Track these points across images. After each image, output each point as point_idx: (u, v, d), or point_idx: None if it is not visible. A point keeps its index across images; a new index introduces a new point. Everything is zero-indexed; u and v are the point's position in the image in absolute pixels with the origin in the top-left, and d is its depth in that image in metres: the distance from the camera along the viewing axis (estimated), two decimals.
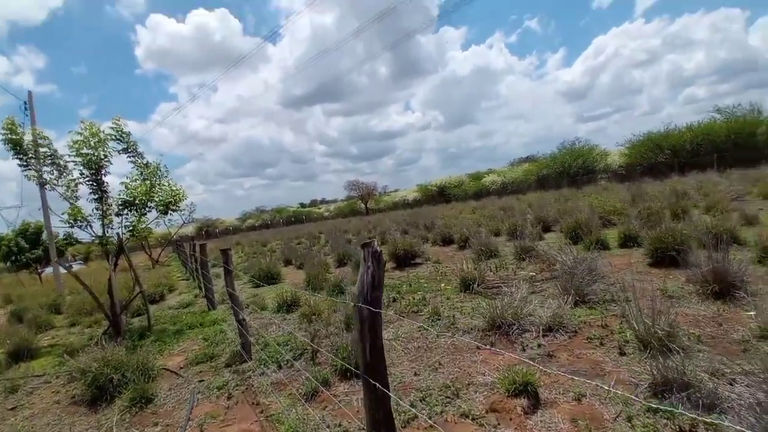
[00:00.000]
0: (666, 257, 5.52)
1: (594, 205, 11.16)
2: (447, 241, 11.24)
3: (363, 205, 55.49)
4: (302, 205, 77.58)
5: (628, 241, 7.18)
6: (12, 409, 4.33)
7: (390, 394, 1.85)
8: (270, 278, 9.32)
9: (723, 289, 3.97)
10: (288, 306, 6.44)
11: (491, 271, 6.88)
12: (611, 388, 2.77)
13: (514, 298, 4.37)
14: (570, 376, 2.85)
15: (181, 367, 4.72)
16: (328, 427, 2.90)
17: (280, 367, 4.18)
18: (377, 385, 1.78)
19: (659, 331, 3.14)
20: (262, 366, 4.27)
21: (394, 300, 6.05)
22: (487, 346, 3.82)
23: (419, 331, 4.59)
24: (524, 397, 2.80)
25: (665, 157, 26.95)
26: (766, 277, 4.46)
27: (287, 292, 6.71)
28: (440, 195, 45.46)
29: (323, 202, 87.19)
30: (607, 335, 3.67)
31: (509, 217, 13.48)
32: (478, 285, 5.76)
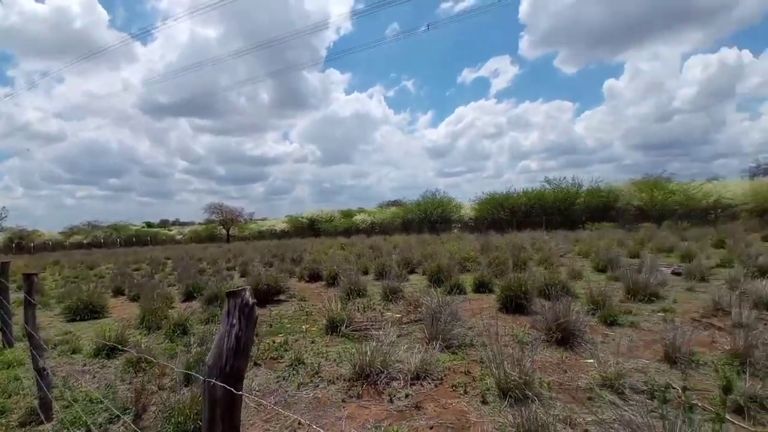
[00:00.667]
0: (513, 304, 6.09)
1: (453, 251, 12.13)
2: (315, 277, 10.81)
3: (224, 231, 51.26)
4: (149, 225, 67.91)
5: (481, 287, 7.82)
6: None
7: None
8: (92, 311, 7.53)
9: (564, 337, 4.45)
10: (110, 349, 5.15)
11: (359, 311, 6.69)
12: None
13: (382, 342, 4.20)
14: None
15: None
16: None
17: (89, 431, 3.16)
18: None
19: (517, 379, 3.26)
20: (65, 429, 3.19)
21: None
22: (354, 399, 3.50)
23: (278, 382, 4.04)
24: None
25: (506, 214, 31.54)
26: (596, 326, 5.19)
27: (111, 331, 5.41)
28: (310, 228, 44.87)
29: (177, 223, 77.89)
30: (470, 382, 3.71)
31: (377, 256, 13.75)
32: (345, 326, 5.47)
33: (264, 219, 59.31)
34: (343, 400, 3.52)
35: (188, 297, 8.96)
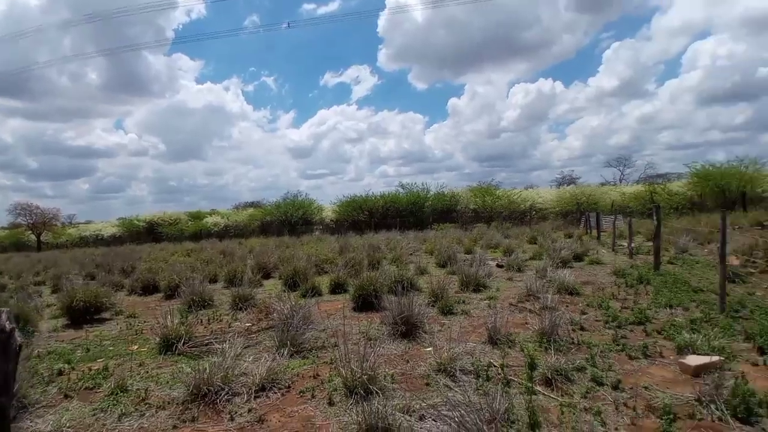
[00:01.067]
0: (366, 302, 6.32)
1: (310, 253, 12.04)
2: (150, 290, 9.45)
3: (34, 238, 41.40)
4: None
5: (337, 288, 7.92)
6: None
7: None
8: None
9: (408, 329, 4.77)
10: None
11: (203, 324, 6.08)
12: None
13: (226, 356, 3.88)
14: None
15: None
16: None
17: None
18: None
19: (363, 376, 3.36)
20: None
21: (60, 373, 4.37)
22: (188, 423, 3.13)
23: (94, 415, 3.37)
24: None
25: (364, 216, 32.84)
26: (436, 317, 5.69)
27: None
28: (149, 232, 39.30)
29: None
30: (318, 386, 3.67)
31: (229, 262, 12.79)
32: (184, 343, 4.89)
33: (88, 222, 49.88)
34: (175, 426, 3.11)
35: None
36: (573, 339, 4.50)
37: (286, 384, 3.73)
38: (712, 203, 25.96)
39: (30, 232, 42.09)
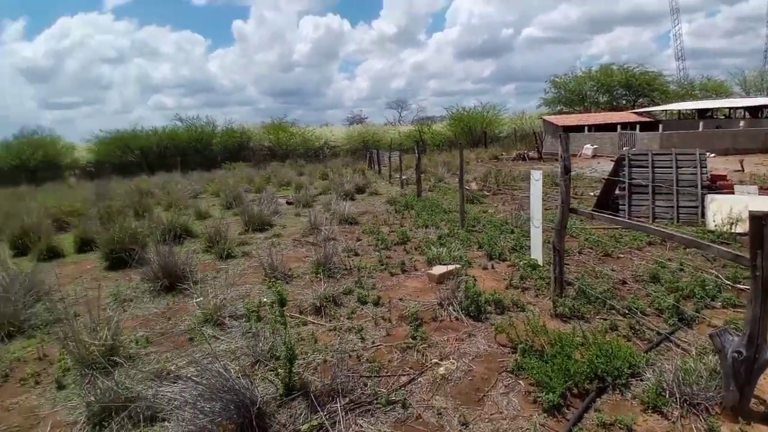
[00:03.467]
0: (123, 259, 5.31)
1: (49, 205, 9.37)
2: None
3: None
4: None
5: (85, 246, 6.42)
6: None
7: None
8: None
9: (172, 282, 4.21)
10: None
11: None
12: None
13: None
14: None
15: None
16: None
17: None
18: None
19: (101, 346, 2.78)
20: None
21: None
22: None
23: None
24: None
25: (135, 157, 27.67)
26: (213, 263, 5.22)
27: None
28: None
29: None
30: (44, 369, 2.91)
31: None
32: None
33: None
34: None
35: None
36: (346, 265, 4.83)
37: (3, 373, 2.83)
38: (464, 141, 32.29)
39: None
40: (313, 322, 3.46)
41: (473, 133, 33.11)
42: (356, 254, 5.37)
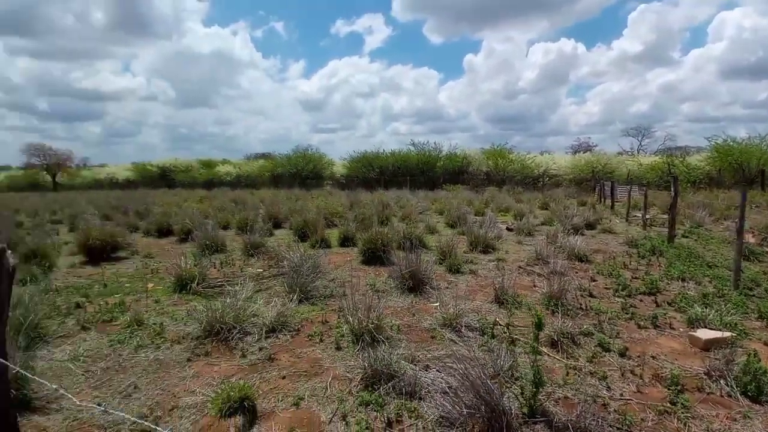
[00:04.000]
0: (375, 256, 6.37)
1: (320, 206, 12.08)
2: (165, 232, 9.65)
3: (50, 178, 42.08)
4: None
5: (346, 241, 7.99)
6: None
7: None
8: None
9: (416, 284, 4.83)
10: None
11: (216, 267, 6.22)
12: (329, 386, 2.79)
13: (237, 297, 3.98)
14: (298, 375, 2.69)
15: None
16: None
17: None
18: None
19: (370, 324, 3.43)
20: None
21: (78, 306, 4.54)
22: (201, 357, 3.26)
23: (111, 346, 3.53)
24: (240, 414, 2.44)
25: (375, 174, 32.66)
26: (443, 274, 5.74)
27: None
28: (162, 178, 39.75)
29: None
30: (326, 331, 3.77)
31: (241, 210, 12.92)
32: (197, 284, 5.02)
33: (102, 165, 50.38)
34: (189, 359, 3.25)
35: None
36: (581, 304, 4.51)
37: (296, 327, 3.84)
38: (730, 180, 25.24)
39: (45, 172, 42.71)
40: (549, 355, 3.36)
41: (744, 170, 25.46)
42: (591, 295, 4.93)
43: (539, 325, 2.51)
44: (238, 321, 3.66)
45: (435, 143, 34.33)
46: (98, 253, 7.00)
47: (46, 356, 3.36)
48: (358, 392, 2.73)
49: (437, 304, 4.46)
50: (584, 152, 41.48)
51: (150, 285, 5.36)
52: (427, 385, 2.58)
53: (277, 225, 10.80)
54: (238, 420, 2.41)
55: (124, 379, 2.98)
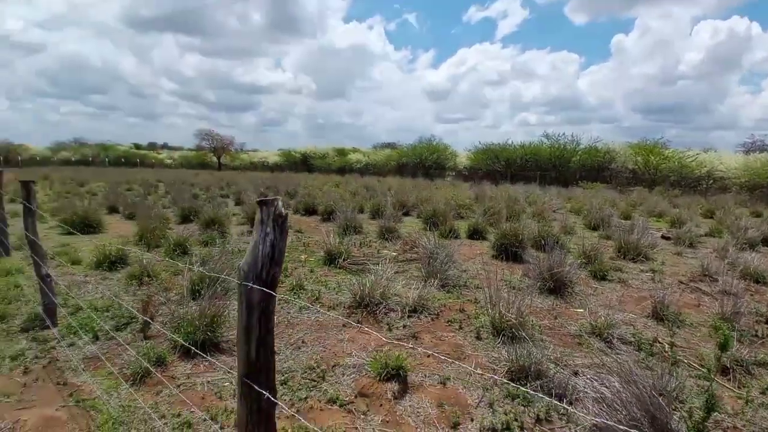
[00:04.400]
0: (507, 252, 6.24)
1: (448, 197, 12.18)
2: (310, 211, 10.84)
3: (215, 159, 50.37)
4: (137, 146, 66.22)
5: (475, 234, 7.95)
6: None
7: (278, 402, 1.44)
8: (87, 226, 7.51)
9: (556, 286, 4.62)
10: (111, 263, 5.20)
11: (355, 247, 6.80)
12: (473, 373, 2.89)
13: (381, 276, 4.32)
14: (442, 357, 2.86)
15: None
16: (162, 417, 2.31)
17: (96, 338, 3.27)
18: (265, 394, 1.35)
19: (512, 319, 3.42)
20: (71, 335, 3.29)
21: None
22: (355, 324, 3.65)
23: (279, 304, 4.17)
24: (395, 382, 2.70)
25: (501, 166, 31.42)
26: (585, 279, 5.37)
27: (111, 246, 5.42)
28: (303, 163, 44.35)
29: (165, 147, 76.10)
30: (464, 319, 3.87)
31: (372, 196, 13.77)
32: (343, 259, 5.58)
33: (255, 150, 58.19)
34: (344, 325, 3.67)
35: (184, 220, 8.97)
36: (757, 331, 3.81)
37: (435, 312, 4.02)
38: None
39: (212, 154, 51.00)
40: (718, 381, 2.94)
41: None
42: None
43: (724, 346, 2.22)
44: (383, 297, 3.99)
45: (572, 135, 31.44)
46: None
47: (229, 305, 4.12)
48: (502, 384, 2.77)
49: (582, 309, 4.20)
50: (760, 152, 33.53)
51: (303, 256, 6.13)
52: (578, 390, 2.50)
53: (405, 213, 11.24)
54: (394, 386, 2.67)
55: (293, 333, 3.52)
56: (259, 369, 1.37)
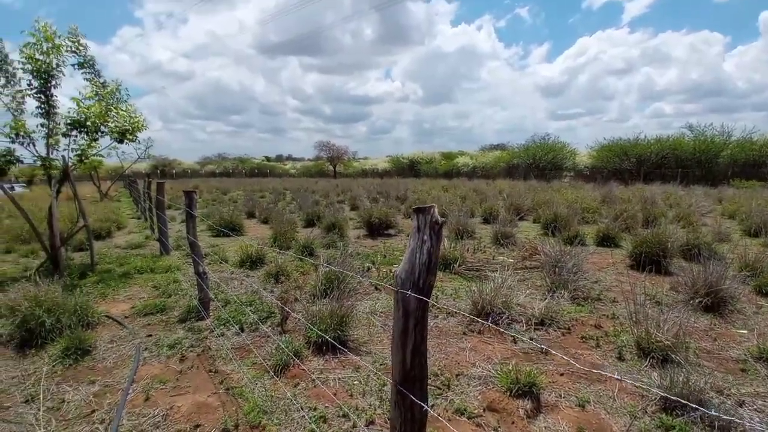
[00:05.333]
0: (647, 262, 5.48)
1: (570, 200, 11.21)
2: None
3: (331, 168, 54.25)
4: (267, 159, 74.69)
5: (605, 240, 7.17)
6: None
7: (429, 410, 1.47)
8: (231, 229, 8.68)
9: (714, 303, 3.91)
10: (252, 262, 5.92)
11: (468, 252, 6.65)
12: (616, 397, 2.58)
13: (500, 284, 4.13)
14: (582, 371, 2.62)
15: (126, 317, 4.15)
16: (300, 409, 2.53)
17: (242, 329, 3.73)
18: (424, 406, 1.38)
19: (664, 340, 2.97)
20: (221, 326, 3.81)
21: (368, 270, 5.69)
22: (475, 334, 3.56)
23: None
24: (527, 399, 2.54)
25: (630, 164, 27.93)
26: (748, 295, 4.47)
27: (252, 247, 6.17)
28: (410, 169, 45.20)
29: (290, 158, 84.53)
30: (602, 336, 3.50)
31: (483, 200, 13.38)
32: (458, 265, 5.50)
33: (366, 158, 61.12)
34: (464, 333, 3.60)
35: (309, 224, 9.81)
36: None
37: (565, 326, 3.70)
38: None
39: (328, 163, 54.91)
40: None
41: None
42: None
43: None
44: (506, 307, 3.81)
45: (722, 125, 26.55)
46: (375, 228, 8.57)
47: (351, 306, 4.34)
48: (653, 412, 2.42)
49: (745, 331, 3.49)
50: None
51: None
52: (743, 424, 2.05)
53: (520, 217, 10.66)
54: (526, 403, 2.52)
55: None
56: (414, 378, 1.41)
